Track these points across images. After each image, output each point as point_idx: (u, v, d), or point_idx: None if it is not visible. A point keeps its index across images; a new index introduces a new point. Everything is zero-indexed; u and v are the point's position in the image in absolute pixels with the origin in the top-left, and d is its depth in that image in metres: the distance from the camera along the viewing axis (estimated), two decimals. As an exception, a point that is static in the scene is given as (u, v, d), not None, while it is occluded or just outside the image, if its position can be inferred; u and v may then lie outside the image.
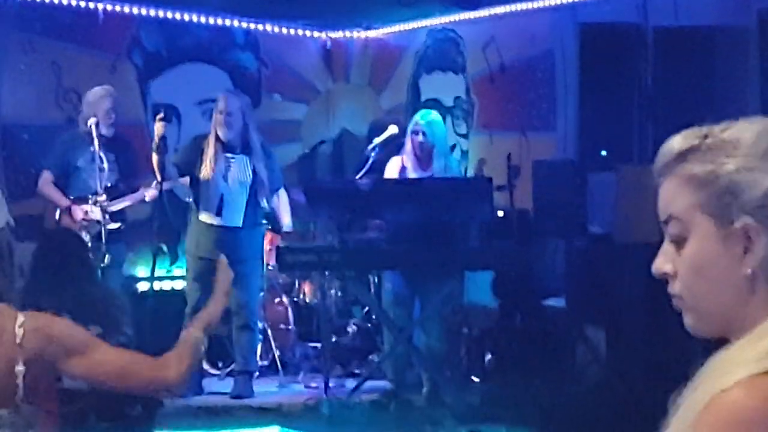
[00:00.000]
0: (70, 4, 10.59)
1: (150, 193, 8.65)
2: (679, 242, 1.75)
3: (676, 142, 1.77)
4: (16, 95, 10.21)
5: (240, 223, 8.44)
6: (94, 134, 8.41)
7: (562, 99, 10.61)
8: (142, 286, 10.15)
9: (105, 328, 6.58)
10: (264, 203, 8.55)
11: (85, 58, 10.70)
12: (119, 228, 8.65)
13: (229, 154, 8.43)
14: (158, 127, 8.38)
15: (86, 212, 8.53)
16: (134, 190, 8.79)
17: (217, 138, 8.41)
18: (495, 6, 10.74)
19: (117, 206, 8.67)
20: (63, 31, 10.61)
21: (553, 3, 10.58)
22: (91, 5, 10.74)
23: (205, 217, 8.50)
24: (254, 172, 8.42)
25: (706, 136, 1.74)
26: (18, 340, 3.11)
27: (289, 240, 9.47)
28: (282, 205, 8.91)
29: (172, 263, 10.48)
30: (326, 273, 9.05)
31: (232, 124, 8.37)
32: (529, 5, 10.76)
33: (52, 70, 10.45)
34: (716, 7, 9.02)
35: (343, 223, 8.73)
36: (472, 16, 11.04)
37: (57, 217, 8.64)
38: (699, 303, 1.73)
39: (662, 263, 1.78)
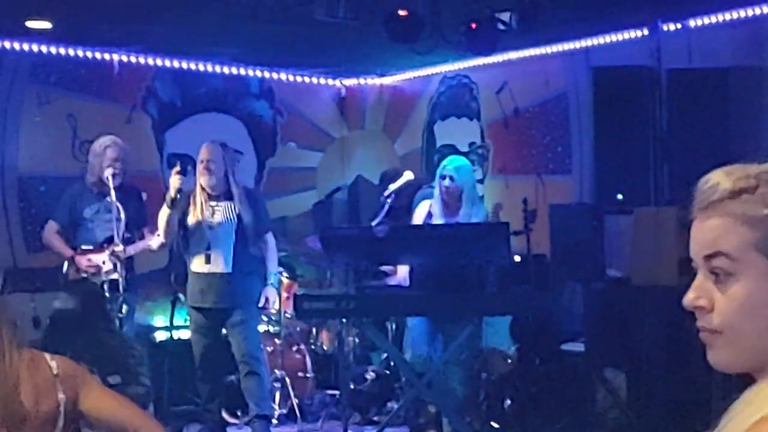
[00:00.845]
0: (85, 57, 10.67)
1: (156, 242, 8.62)
2: (723, 278, 1.76)
3: (725, 180, 1.77)
4: (32, 147, 10.28)
5: (230, 269, 8.44)
6: (111, 185, 8.41)
7: (577, 142, 10.63)
8: (159, 336, 10.15)
9: (123, 377, 6.59)
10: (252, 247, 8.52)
11: (101, 110, 10.76)
12: (127, 276, 8.60)
13: (213, 202, 8.48)
14: (174, 180, 8.37)
15: (90, 261, 8.52)
16: (141, 239, 8.76)
17: (202, 188, 8.48)
18: (508, 51, 10.78)
19: (126, 254, 8.63)
20: (78, 83, 10.68)
21: (566, 47, 10.62)
22: (107, 57, 10.82)
23: (195, 266, 8.52)
24: (239, 217, 8.46)
25: (758, 176, 1.75)
26: (55, 371, 3.25)
27: (306, 287, 9.45)
28: (269, 251, 8.85)
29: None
30: (344, 320, 9.03)
31: (214, 171, 8.43)
32: (542, 50, 10.80)
33: (67, 122, 10.52)
34: (730, 48, 9.04)
35: (360, 270, 8.71)
36: (485, 62, 11.09)
37: (65, 268, 8.63)
38: (740, 340, 1.74)
39: (696, 298, 1.79)
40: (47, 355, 3.38)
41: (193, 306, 8.57)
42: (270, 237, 8.79)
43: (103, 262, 8.48)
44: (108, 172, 8.47)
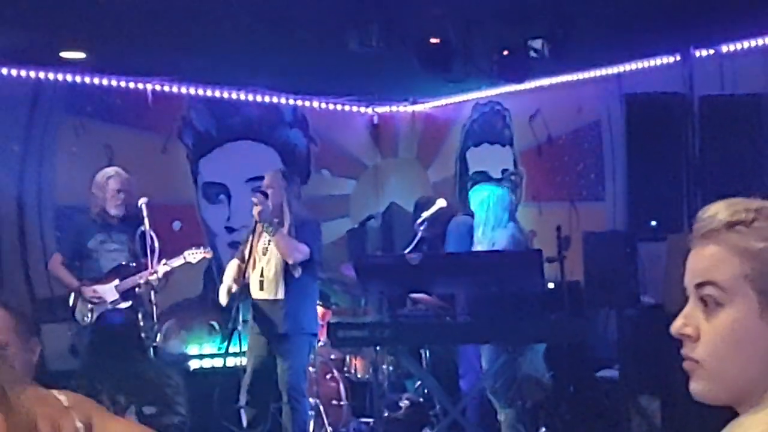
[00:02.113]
0: (120, 86, 10.76)
1: (161, 271, 8.57)
2: (711, 308, 1.76)
3: (723, 211, 1.78)
4: (69, 177, 10.34)
5: (282, 296, 8.45)
6: (145, 214, 8.43)
7: (610, 169, 10.63)
8: (193, 364, 10.15)
9: (159, 407, 6.63)
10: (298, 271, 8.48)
11: (137, 139, 10.86)
12: (134, 304, 8.60)
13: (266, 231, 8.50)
14: (234, 271, 8.52)
15: (95, 292, 8.53)
16: (145, 269, 8.65)
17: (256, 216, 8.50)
18: (540, 78, 10.80)
19: (160, 283, 8.60)
20: (114, 112, 10.78)
21: (598, 74, 10.63)
22: (141, 86, 10.91)
23: (253, 292, 8.56)
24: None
25: (758, 210, 1.75)
26: (66, 404, 3.25)
27: (340, 315, 9.44)
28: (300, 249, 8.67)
29: (223, 341, 10.48)
30: (378, 348, 9.02)
31: (270, 196, 8.43)
32: (575, 77, 10.81)
33: (104, 152, 10.58)
34: (762, 74, 9.03)
35: (394, 298, 8.69)
36: (517, 89, 11.10)
37: (71, 299, 8.64)
38: (723, 371, 1.76)
39: (683, 326, 1.80)
40: (54, 391, 3.40)
41: (249, 331, 8.61)
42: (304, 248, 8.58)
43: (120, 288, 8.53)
44: (142, 201, 8.49)
